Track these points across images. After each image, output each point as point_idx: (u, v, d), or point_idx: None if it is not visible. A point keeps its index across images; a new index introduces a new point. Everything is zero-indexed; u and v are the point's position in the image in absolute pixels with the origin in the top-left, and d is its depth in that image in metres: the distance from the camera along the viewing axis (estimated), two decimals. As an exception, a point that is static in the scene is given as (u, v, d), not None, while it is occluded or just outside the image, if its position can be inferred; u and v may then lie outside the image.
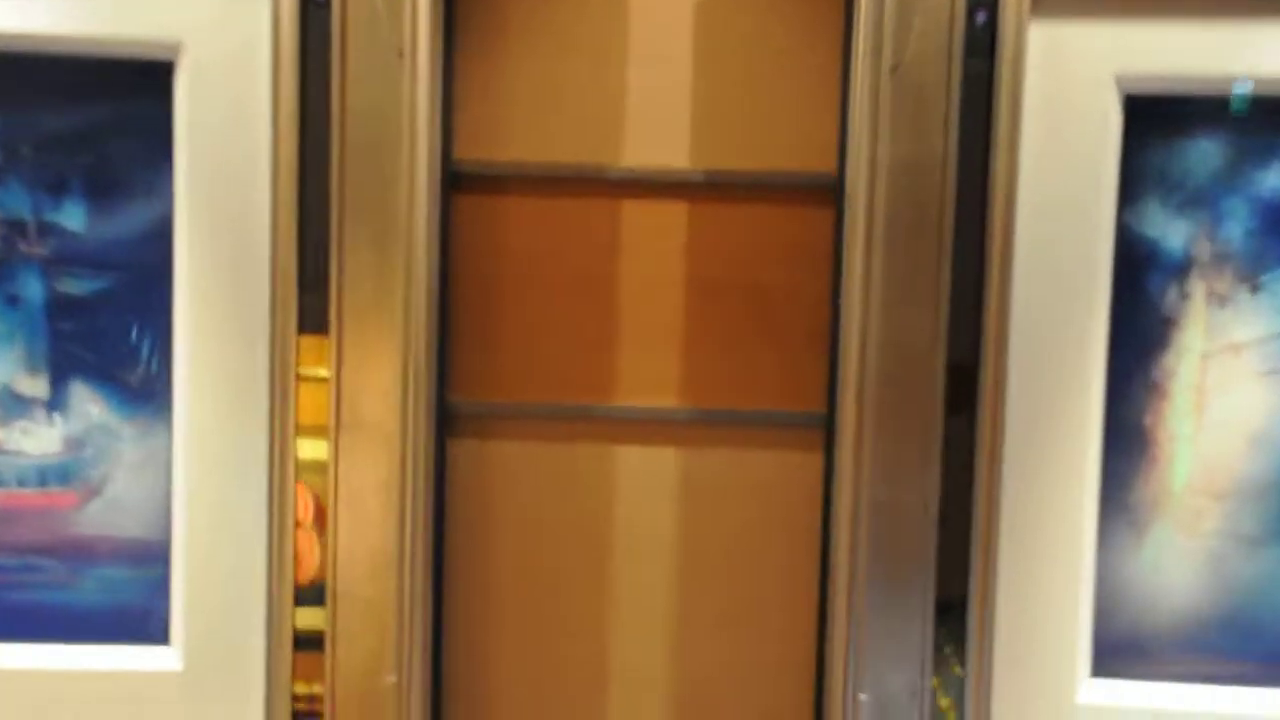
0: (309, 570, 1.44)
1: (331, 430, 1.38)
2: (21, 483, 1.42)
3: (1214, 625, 1.42)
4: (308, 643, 1.42)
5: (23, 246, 1.40)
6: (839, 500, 1.44)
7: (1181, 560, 1.42)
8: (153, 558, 1.43)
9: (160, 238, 1.39)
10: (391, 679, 1.40)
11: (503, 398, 1.56)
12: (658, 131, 1.51)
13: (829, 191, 1.51)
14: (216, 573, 1.42)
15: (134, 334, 1.41)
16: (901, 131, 1.33)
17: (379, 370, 1.38)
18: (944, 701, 1.40)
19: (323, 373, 1.40)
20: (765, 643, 1.57)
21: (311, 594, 1.42)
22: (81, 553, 1.44)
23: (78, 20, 1.35)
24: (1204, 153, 1.37)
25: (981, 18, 1.33)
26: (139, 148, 1.38)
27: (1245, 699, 1.42)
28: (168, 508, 1.43)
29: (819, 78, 1.49)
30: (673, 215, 1.52)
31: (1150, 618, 1.42)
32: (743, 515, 1.57)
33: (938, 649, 1.39)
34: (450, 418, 1.56)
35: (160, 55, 1.37)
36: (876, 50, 1.32)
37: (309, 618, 1.42)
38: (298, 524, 1.45)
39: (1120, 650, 1.42)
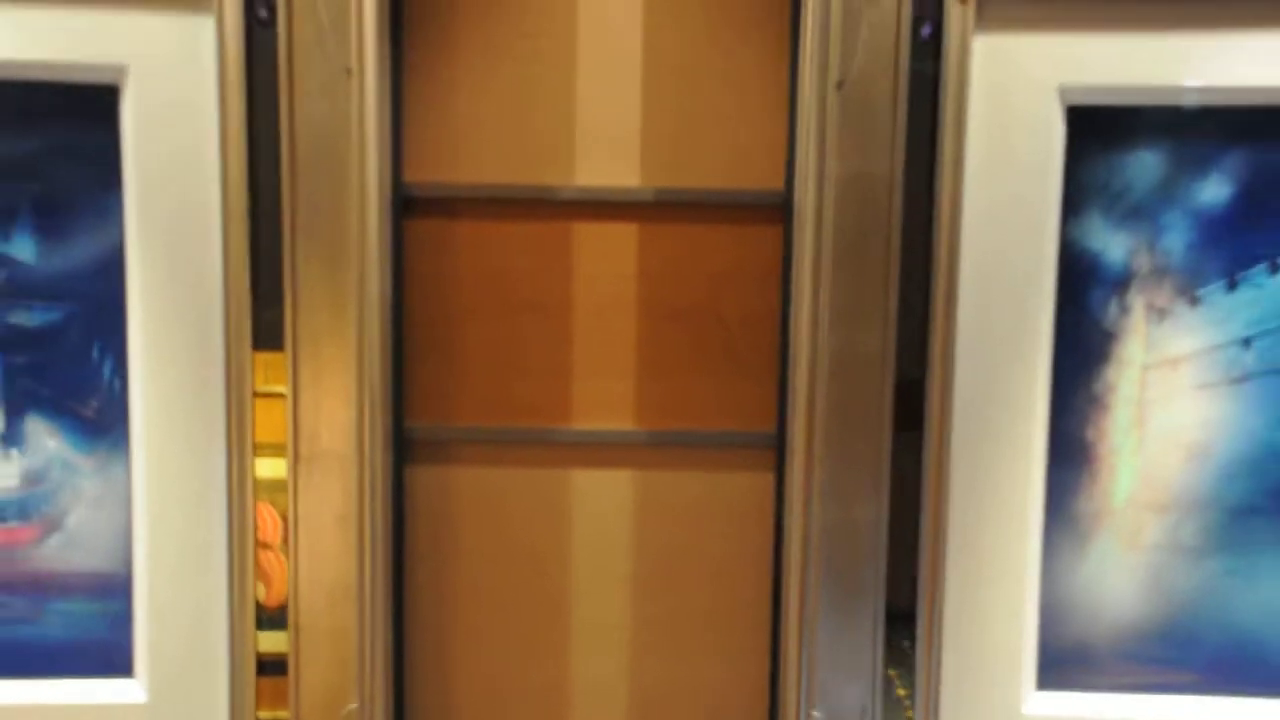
0: (280, 593, 1.47)
1: (290, 459, 1.39)
2: (-19, 519, 1.39)
3: (1156, 636, 1.44)
4: (272, 667, 1.43)
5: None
6: (790, 519, 1.44)
7: (1124, 572, 1.44)
8: (115, 590, 1.44)
9: (111, 265, 1.39)
10: (353, 706, 1.40)
11: (461, 423, 1.56)
12: (608, 150, 1.51)
13: (778, 209, 1.51)
14: (179, 602, 1.43)
15: (88, 364, 1.40)
16: (849, 147, 1.34)
17: (336, 396, 1.39)
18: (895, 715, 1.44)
19: (280, 389, 1.40)
20: (719, 661, 1.58)
21: (279, 617, 1.43)
22: (43, 587, 1.44)
23: (19, 45, 1.35)
24: (1145, 165, 1.39)
25: (927, 31, 1.34)
26: (87, 174, 1.38)
27: (1187, 708, 1.45)
28: (128, 539, 1.43)
29: (767, 95, 1.50)
30: (624, 236, 1.53)
31: (1094, 630, 1.44)
32: (697, 536, 1.58)
33: (888, 665, 1.41)
34: (408, 444, 1.56)
35: (105, 79, 1.37)
36: (823, 66, 1.33)
37: (274, 641, 1.43)
38: (267, 546, 1.48)
39: (1065, 662, 1.44)
